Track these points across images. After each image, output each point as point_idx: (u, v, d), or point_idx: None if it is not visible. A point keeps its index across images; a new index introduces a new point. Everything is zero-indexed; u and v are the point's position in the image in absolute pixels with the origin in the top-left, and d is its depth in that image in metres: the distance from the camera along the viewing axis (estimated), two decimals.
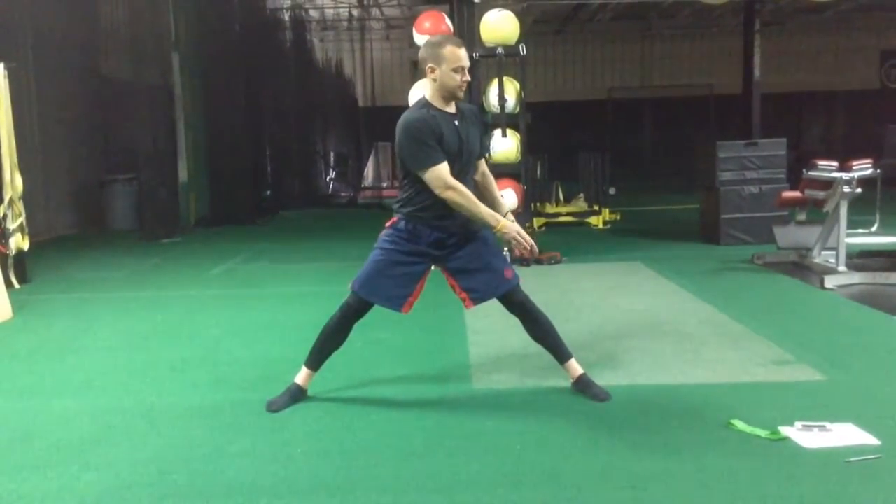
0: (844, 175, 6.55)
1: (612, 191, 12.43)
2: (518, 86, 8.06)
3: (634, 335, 5.02)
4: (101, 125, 12.38)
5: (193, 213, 11.93)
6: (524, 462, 3.17)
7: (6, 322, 5.92)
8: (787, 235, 7.36)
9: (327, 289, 6.50)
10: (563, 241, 8.92)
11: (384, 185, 17.11)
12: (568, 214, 10.92)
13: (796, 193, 7.36)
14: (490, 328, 5.09)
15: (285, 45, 15.37)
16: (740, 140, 9.34)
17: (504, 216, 3.73)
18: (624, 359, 4.51)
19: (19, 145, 7.29)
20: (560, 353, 3.93)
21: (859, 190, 6.57)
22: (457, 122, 3.65)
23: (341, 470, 3.14)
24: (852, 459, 3.08)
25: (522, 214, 7.60)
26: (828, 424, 3.38)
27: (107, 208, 11.92)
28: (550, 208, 11.09)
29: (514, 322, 3.93)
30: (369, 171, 18.38)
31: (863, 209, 7.25)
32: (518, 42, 7.97)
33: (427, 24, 7.70)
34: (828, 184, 6.73)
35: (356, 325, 3.87)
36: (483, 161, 3.95)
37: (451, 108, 3.68)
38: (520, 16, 8.23)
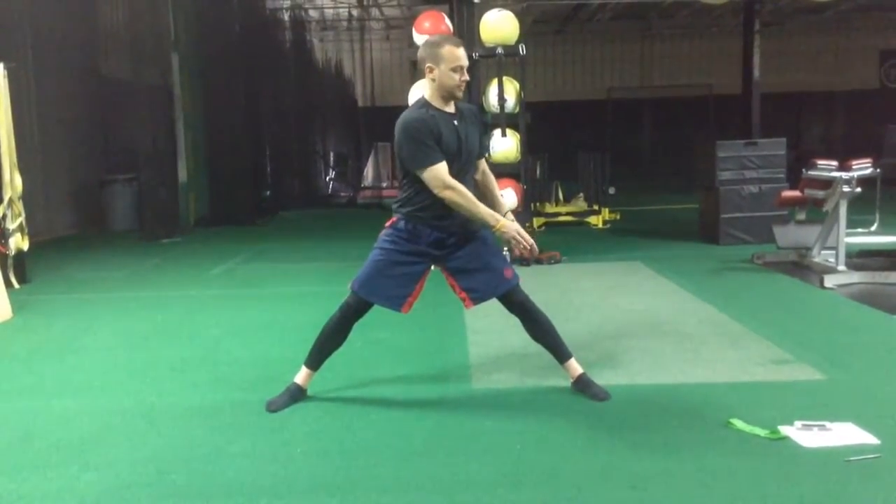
0: (844, 175, 6.55)
1: (611, 190, 12.44)
2: (518, 86, 8.06)
3: (634, 335, 5.02)
4: (100, 125, 12.38)
5: (193, 214, 11.93)
6: (524, 462, 3.17)
7: (6, 322, 5.92)
8: (787, 235, 7.36)
9: (327, 289, 6.50)
10: (563, 241, 8.92)
11: (384, 185, 17.12)
12: (568, 214, 10.92)
13: (796, 193, 7.36)
14: (490, 328, 5.09)
15: (285, 45, 15.37)
16: (740, 140, 9.34)
17: (504, 216, 3.73)
18: (623, 358, 4.52)
19: (19, 145, 7.29)
20: (560, 353, 3.93)
21: (859, 189, 6.57)
22: (456, 122, 3.65)
23: (341, 470, 3.15)
24: (852, 459, 3.08)
25: (522, 214, 7.60)
26: (827, 424, 3.38)
27: (106, 208, 11.92)
28: (550, 208, 11.09)
29: (514, 322, 3.93)
30: (369, 171, 18.38)
31: (862, 209, 7.25)
32: (518, 42, 7.97)
33: (427, 24, 7.70)
34: (827, 183, 6.74)
35: (356, 325, 3.87)
36: (483, 160, 3.96)
37: (451, 108, 3.68)
38: (519, 16, 8.23)
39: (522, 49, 7.95)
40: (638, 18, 18.68)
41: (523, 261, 7.51)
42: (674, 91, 19.91)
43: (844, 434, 3.30)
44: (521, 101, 8.02)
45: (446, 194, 3.55)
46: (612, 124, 19.98)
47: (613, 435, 3.42)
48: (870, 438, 3.25)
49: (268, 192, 14.16)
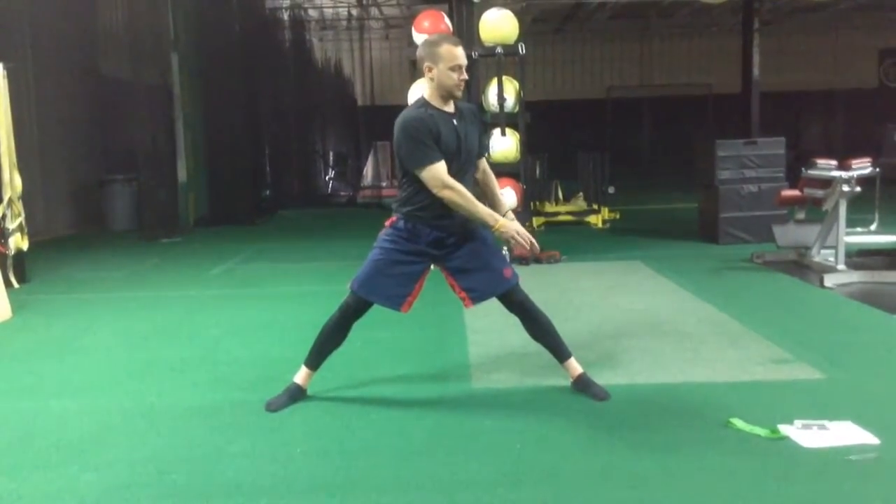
0: (843, 174, 6.55)
1: (611, 190, 12.43)
2: (517, 85, 8.06)
3: (634, 334, 5.02)
4: (100, 125, 12.38)
5: (193, 213, 11.92)
6: (524, 461, 3.17)
7: (6, 322, 5.92)
8: (787, 234, 7.36)
9: (327, 288, 6.50)
10: (563, 241, 8.92)
11: (383, 184, 17.10)
12: (567, 213, 10.92)
13: (795, 192, 7.36)
14: (489, 327, 5.09)
15: (284, 45, 15.38)
16: (739, 139, 9.34)
17: (504, 215, 3.74)
18: (623, 358, 4.52)
19: (18, 145, 7.29)
20: (559, 353, 3.93)
21: (858, 189, 6.58)
22: (455, 122, 3.65)
23: (341, 469, 3.15)
24: (851, 458, 3.08)
25: (521, 213, 7.60)
26: (827, 423, 3.38)
27: (106, 208, 11.92)
28: (550, 207, 11.09)
29: (514, 321, 3.93)
30: (368, 171, 18.37)
31: (862, 208, 7.25)
32: (517, 41, 7.97)
33: (426, 24, 7.70)
34: (827, 183, 6.74)
35: (355, 325, 3.86)
36: (484, 160, 3.96)
37: (450, 108, 3.67)
38: (519, 15, 8.24)
39: (522, 48, 7.95)
40: (637, 17, 18.68)
41: (522, 260, 7.51)
42: (673, 90, 19.93)
43: (844, 433, 3.30)
44: (520, 100, 8.02)
45: (445, 194, 3.54)
46: (611, 123, 20.01)
47: (613, 434, 3.42)
48: (869, 438, 3.25)
49: (267, 192, 14.16)
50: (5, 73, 7.03)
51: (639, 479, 2.97)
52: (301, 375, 3.93)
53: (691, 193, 10.06)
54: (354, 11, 17.70)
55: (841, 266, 6.55)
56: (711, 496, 2.85)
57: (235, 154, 12.52)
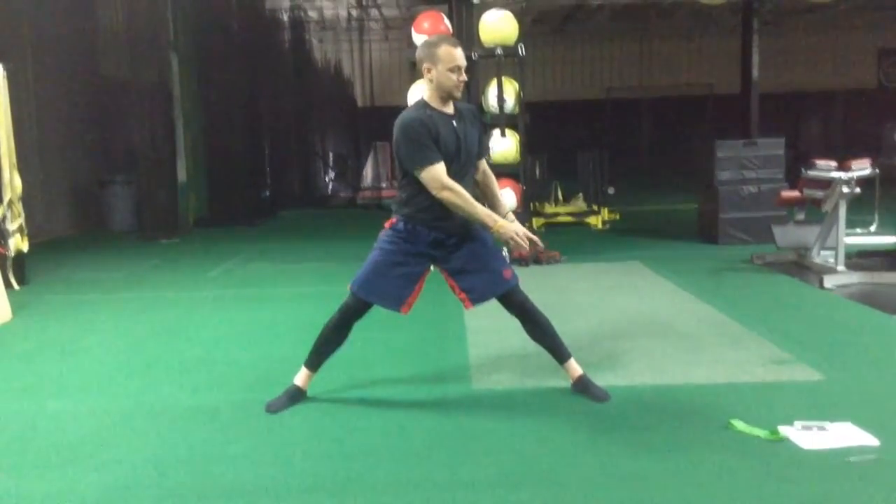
0: (843, 175, 6.55)
1: (610, 190, 12.43)
2: (517, 86, 8.06)
3: (633, 335, 5.02)
4: (99, 126, 12.37)
5: (192, 214, 11.92)
6: (524, 462, 3.17)
7: (5, 323, 5.92)
8: (786, 235, 7.36)
9: (326, 289, 6.50)
10: (562, 241, 8.91)
11: (383, 185, 17.09)
12: (567, 214, 10.92)
13: (795, 193, 7.36)
14: (489, 328, 5.09)
15: (284, 46, 15.38)
16: (739, 139, 9.34)
17: (505, 216, 3.74)
18: (623, 359, 4.52)
19: (18, 146, 7.29)
20: (559, 354, 3.93)
21: (858, 190, 6.58)
22: (455, 123, 3.65)
23: (341, 470, 3.15)
24: (851, 459, 3.08)
25: (521, 214, 7.60)
26: (827, 424, 3.38)
27: (105, 209, 11.91)
28: (549, 208, 11.09)
29: (514, 322, 3.93)
30: (368, 172, 18.34)
31: (861, 209, 7.25)
32: (517, 42, 7.97)
33: (426, 25, 7.71)
34: (826, 183, 6.74)
35: (356, 326, 3.87)
36: (484, 161, 3.96)
37: (449, 109, 3.67)
38: (518, 16, 8.24)
39: (521, 49, 7.95)
40: (637, 18, 18.67)
41: (522, 261, 7.51)
42: (673, 91, 19.94)
43: (844, 434, 3.30)
44: (520, 101, 8.02)
45: (444, 195, 3.55)
46: (611, 124, 20.00)
47: (613, 435, 3.42)
48: (869, 439, 3.25)
49: (267, 193, 14.16)
50: (5, 73, 7.03)
51: (639, 480, 2.97)
52: (301, 377, 3.93)
53: (691, 194, 10.06)
54: (354, 12, 17.68)
55: (841, 267, 6.56)
56: (711, 497, 2.85)
57: (235, 155, 12.53)
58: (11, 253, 7.06)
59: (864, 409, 3.61)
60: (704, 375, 4.21)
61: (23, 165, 7.53)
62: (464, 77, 3.62)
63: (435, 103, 3.65)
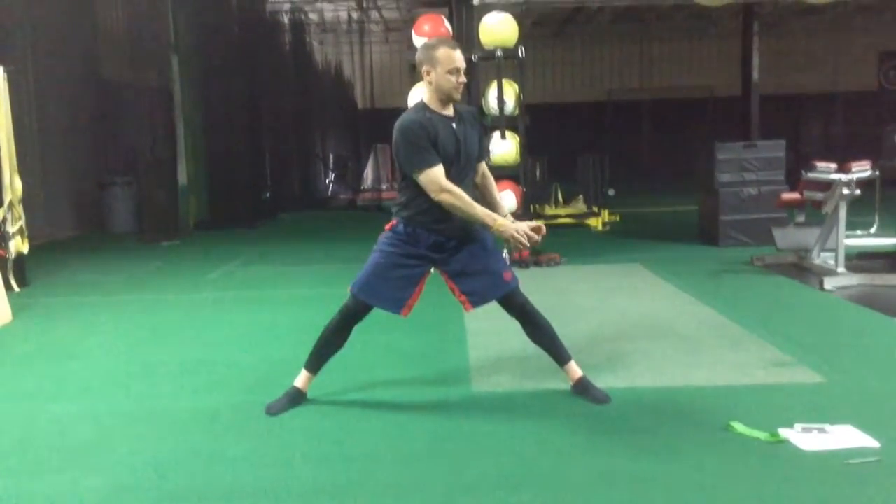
0: (843, 177, 6.55)
1: (611, 192, 12.43)
2: (517, 88, 8.06)
3: (634, 337, 5.02)
4: (100, 128, 12.38)
5: (193, 216, 11.92)
6: (524, 464, 3.17)
7: (6, 326, 5.92)
8: (786, 237, 7.36)
9: (327, 291, 6.50)
10: (562, 243, 8.91)
11: (383, 187, 17.11)
12: (567, 216, 10.93)
13: (795, 195, 7.36)
14: (489, 330, 5.09)
15: (284, 48, 15.39)
16: (739, 142, 9.34)
17: (505, 216, 3.74)
18: (623, 361, 4.52)
19: (19, 148, 7.29)
20: (559, 356, 3.93)
21: (858, 191, 6.58)
22: (454, 125, 3.65)
23: (341, 473, 3.14)
24: (851, 461, 3.08)
25: (521, 216, 7.60)
26: (827, 426, 3.38)
27: (106, 211, 11.92)
28: (549, 210, 11.10)
29: (514, 324, 3.93)
30: (368, 174, 18.36)
31: (861, 211, 7.25)
32: (517, 44, 7.97)
33: (426, 27, 7.72)
34: (827, 185, 6.74)
35: (356, 328, 3.86)
36: (484, 164, 3.95)
37: (449, 111, 3.67)
38: (518, 18, 8.24)
39: (521, 51, 7.96)
40: (637, 21, 18.69)
41: (522, 263, 7.51)
42: (673, 93, 19.93)
43: (844, 437, 3.30)
44: (520, 103, 8.03)
45: (443, 197, 3.55)
46: (611, 126, 20.00)
47: (613, 438, 3.42)
48: (869, 441, 3.25)
49: (267, 195, 14.16)
50: (6, 76, 7.04)
51: (639, 482, 2.97)
52: (301, 379, 3.93)
53: (691, 196, 10.06)
54: (354, 14, 17.71)
55: (841, 269, 6.55)
56: (712, 499, 2.85)
57: (235, 157, 12.53)
58: (12, 255, 7.06)
59: (864, 411, 3.61)
60: (705, 377, 4.20)
61: (23, 167, 7.54)
62: (463, 79, 3.62)
63: (434, 106, 3.65)
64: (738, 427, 3.42)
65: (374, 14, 17.83)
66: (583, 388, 3.89)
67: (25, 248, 7.24)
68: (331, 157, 17.50)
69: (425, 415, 3.78)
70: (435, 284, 3.93)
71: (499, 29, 7.90)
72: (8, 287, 6.64)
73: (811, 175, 6.93)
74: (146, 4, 11.21)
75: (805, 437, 3.30)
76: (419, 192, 3.61)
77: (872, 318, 5.43)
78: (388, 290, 3.73)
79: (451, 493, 2.94)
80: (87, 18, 12.25)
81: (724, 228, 8.59)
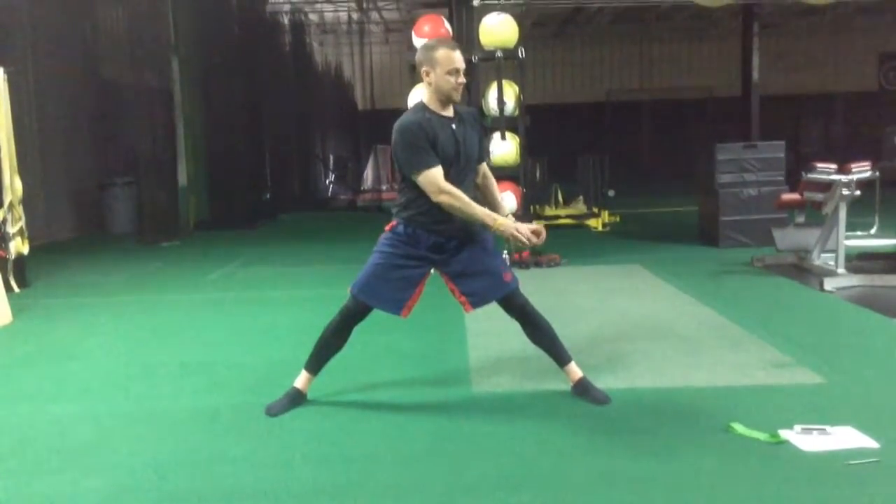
0: (843, 177, 6.55)
1: (611, 193, 12.42)
2: (517, 89, 8.07)
3: (634, 338, 5.02)
4: (100, 129, 12.38)
5: (193, 217, 11.93)
6: (524, 465, 3.17)
7: (6, 326, 5.92)
8: (786, 238, 7.36)
9: (327, 292, 6.50)
10: (563, 244, 8.91)
11: (383, 187, 17.13)
12: (567, 217, 10.93)
13: (795, 196, 7.36)
14: (490, 331, 5.09)
15: (285, 49, 15.40)
16: (739, 142, 9.35)
17: (506, 217, 3.74)
18: (623, 362, 4.52)
19: (19, 149, 7.29)
20: (559, 357, 3.93)
21: (858, 192, 6.58)
22: (454, 126, 3.65)
23: (341, 474, 3.14)
24: (851, 462, 3.08)
25: (521, 217, 7.60)
26: (827, 427, 3.38)
27: (106, 212, 11.92)
28: (549, 211, 11.10)
29: (514, 325, 3.92)
30: (368, 174, 18.38)
31: (861, 211, 7.25)
32: (517, 45, 7.98)
33: (426, 28, 7.72)
34: (827, 186, 6.74)
35: (356, 329, 3.86)
36: (485, 165, 3.95)
37: (449, 112, 3.67)
38: (518, 19, 8.24)
39: (521, 52, 7.96)
40: (637, 21, 18.70)
41: (522, 264, 7.51)
42: (673, 93, 19.95)
43: (844, 438, 3.30)
44: (520, 104, 8.03)
45: (441, 198, 3.55)
46: (611, 127, 20.00)
47: (613, 438, 3.42)
48: (869, 442, 3.25)
49: (267, 195, 14.17)
50: (6, 76, 7.04)
51: (639, 483, 2.97)
52: (301, 380, 3.93)
53: (691, 197, 10.06)
54: (355, 15, 17.72)
55: (841, 270, 6.55)
56: (712, 500, 2.85)
57: (236, 157, 12.54)
58: (12, 256, 7.07)
59: (864, 412, 3.61)
60: (705, 378, 4.20)
61: (23, 168, 7.54)
62: (462, 80, 3.62)
63: (434, 106, 3.65)
64: (739, 428, 3.42)
65: (375, 15, 17.85)
66: (583, 389, 3.89)
67: (25, 249, 7.24)
68: (331, 157, 17.51)
69: (425, 416, 3.77)
70: (435, 285, 3.93)
71: (499, 30, 7.90)
72: (8, 288, 6.64)
73: (811, 176, 6.93)
74: (146, 5, 11.20)
75: (805, 438, 3.29)
76: (419, 193, 3.61)
77: (872, 319, 5.43)
78: (388, 290, 3.73)
79: (451, 494, 2.94)
80: (88, 19, 12.25)
81: (724, 229, 8.59)
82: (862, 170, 6.61)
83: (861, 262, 7.18)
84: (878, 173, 6.75)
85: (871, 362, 4.41)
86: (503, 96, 7.87)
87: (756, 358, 4.52)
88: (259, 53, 13.63)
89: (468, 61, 3.87)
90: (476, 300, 3.80)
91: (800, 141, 19.00)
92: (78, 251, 10.05)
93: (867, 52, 19.93)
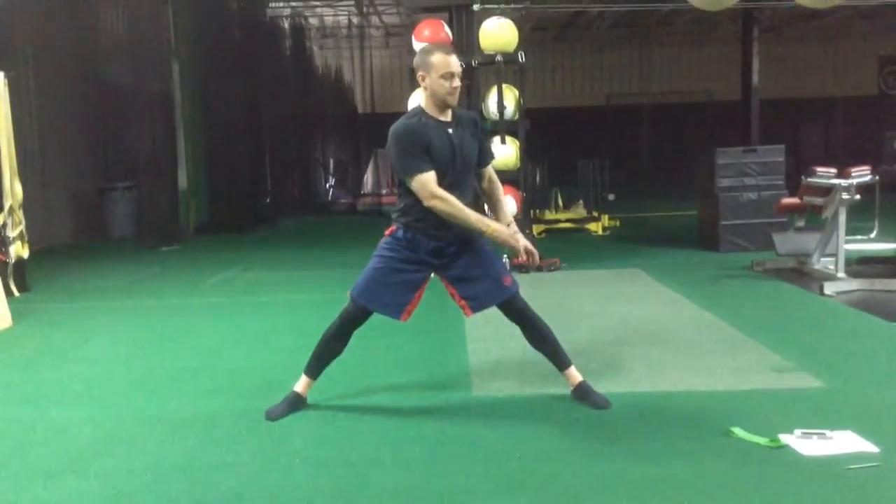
0: (843, 182, 6.56)
1: (611, 197, 12.42)
2: (517, 93, 8.08)
3: (634, 342, 5.02)
4: (100, 133, 12.40)
5: (193, 221, 11.93)
6: (524, 470, 3.17)
7: (6, 330, 5.92)
8: (786, 242, 7.36)
9: (327, 296, 6.49)
10: (563, 248, 8.92)
11: (383, 191, 17.15)
12: (567, 221, 10.94)
13: (795, 200, 7.37)
14: (490, 335, 5.09)
15: (285, 53, 15.41)
16: (739, 146, 9.35)
17: (507, 225, 3.73)
18: (623, 366, 4.51)
19: (19, 153, 7.30)
20: (559, 361, 3.93)
21: (858, 196, 6.58)
22: (450, 131, 3.64)
23: (340, 479, 3.14)
24: (851, 467, 3.07)
25: (521, 221, 7.60)
26: (827, 432, 3.38)
27: (106, 216, 11.93)
28: (549, 215, 11.11)
29: (514, 329, 3.92)
30: (368, 178, 18.41)
31: (861, 216, 7.25)
32: (517, 49, 7.99)
33: (426, 32, 7.73)
34: (826, 190, 6.75)
35: (356, 333, 3.86)
36: (490, 168, 3.95)
37: (446, 116, 3.67)
38: (518, 23, 8.26)
39: (521, 56, 7.97)
40: (637, 25, 18.72)
41: (522, 268, 7.51)
42: (673, 98, 19.94)
43: (844, 442, 3.29)
44: (520, 108, 8.04)
45: (433, 203, 3.55)
46: (611, 131, 20.00)
47: (613, 443, 3.41)
48: (869, 447, 3.25)
49: (268, 200, 14.17)
50: (6, 81, 7.04)
51: (639, 488, 2.97)
52: (301, 384, 3.93)
53: (691, 201, 10.06)
54: (355, 19, 17.74)
55: (841, 274, 6.55)
56: None
57: (236, 162, 12.55)
58: (12, 260, 7.07)
59: (864, 417, 3.61)
60: (705, 383, 4.20)
61: (23, 172, 7.55)
62: (457, 84, 3.62)
63: (431, 111, 3.66)
64: (739, 432, 3.42)
65: (375, 19, 17.86)
66: (583, 394, 3.89)
67: (25, 253, 7.24)
68: (331, 161, 17.52)
69: (426, 420, 3.77)
70: (435, 290, 3.94)
71: (499, 34, 7.92)
72: (8, 292, 6.64)
73: (811, 180, 6.94)
74: (147, 9, 11.21)
75: (805, 443, 3.29)
76: (417, 198, 3.61)
77: (872, 323, 5.43)
78: (387, 295, 3.73)
79: (451, 498, 2.94)
80: (88, 23, 12.26)
81: (724, 233, 8.59)
82: (862, 174, 6.61)
83: (861, 266, 7.18)
84: (877, 177, 6.75)
85: (871, 367, 4.41)
86: (503, 100, 7.88)
87: (756, 362, 4.52)
88: (259, 57, 13.64)
89: (468, 65, 3.88)
90: (476, 304, 3.80)
91: (800, 145, 19.00)
92: (78, 255, 10.05)
93: (867, 56, 19.94)
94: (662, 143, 20.05)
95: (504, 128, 7.91)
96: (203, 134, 12.53)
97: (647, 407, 3.84)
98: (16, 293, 7.06)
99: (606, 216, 11.00)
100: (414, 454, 3.36)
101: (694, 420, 3.65)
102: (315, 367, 3.91)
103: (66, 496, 3.07)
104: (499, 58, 7.82)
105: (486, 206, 4.13)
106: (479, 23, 8.13)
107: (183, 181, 11.67)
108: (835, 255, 6.67)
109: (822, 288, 6.35)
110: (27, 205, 7.49)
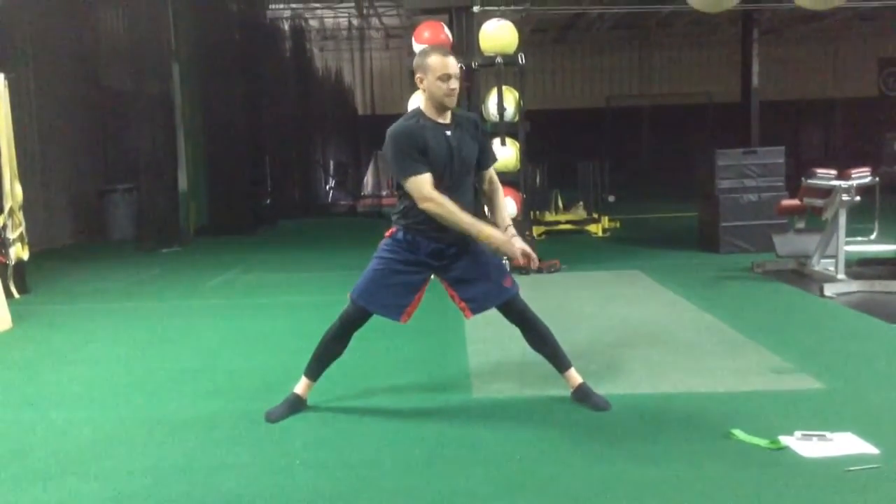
0: (843, 183, 6.56)
1: (611, 199, 12.42)
2: (517, 95, 8.08)
3: (634, 344, 5.01)
4: (100, 135, 12.40)
5: (193, 223, 11.93)
6: (524, 472, 3.16)
7: (5, 332, 5.92)
8: (787, 243, 7.36)
9: (326, 298, 6.49)
10: (563, 250, 8.92)
11: (383, 193, 17.15)
12: (567, 222, 10.94)
13: (795, 201, 7.37)
14: (490, 337, 5.09)
15: (285, 55, 15.42)
16: (739, 148, 9.35)
17: (506, 228, 3.72)
18: (623, 368, 4.51)
19: (19, 155, 7.30)
20: (559, 362, 3.92)
21: (858, 198, 6.58)
22: (448, 133, 3.64)
23: (340, 481, 3.14)
24: (851, 469, 3.07)
25: (521, 223, 7.61)
26: (827, 434, 3.38)
27: (106, 218, 11.93)
28: (550, 216, 11.11)
29: (514, 331, 3.92)
30: (369, 180, 18.41)
31: (861, 217, 7.25)
32: (517, 51, 7.99)
33: (426, 34, 7.73)
34: (826, 192, 6.74)
35: (355, 335, 3.86)
36: (492, 171, 3.94)
37: (445, 118, 3.67)
38: (518, 25, 8.26)
39: (521, 58, 7.97)
40: (637, 27, 18.74)
41: (522, 270, 7.51)
42: (673, 99, 19.96)
43: (844, 444, 3.29)
44: (520, 109, 8.04)
45: (426, 206, 3.54)
46: (611, 133, 20.01)
47: (613, 445, 3.41)
48: (869, 448, 3.24)
49: (268, 201, 14.18)
50: (6, 83, 7.05)
51: (639, 490, 2.97)
52: (301, 386, 3.93)
53: (691, 202, 10.06)
54: (355, 21, 17.75)
55: (841, 275, 6.55)
56: None
57: (236, 163, 12.55)
58: (12, 262, 7.07)
59: (864, 418, 3.60)
60: (705, 384, 4.20)
61: (24, 174, 7.55)
62: (454, 86, 3.61)
63: (429, 113, 3.66)
64: (739, 434, 3.42)
65: (375, 21, 17.88)
66: (583, 395, 3.89)
67: (25, 255, 7.25)
68: (331, 163, 17.53)
69: (425, 421, 3.77)
70: (435, 291, 3.93)
71: (498, 36, 7.92)
72: (8, 294, 6.64)
73: (811, 181, 6.93)
74: (147, 11, 11.21)
75: (805, 444, 3.29)
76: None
77: (873, 325, 5.43)
78: (387, 296, 3.73)
79: (451, 500, 2.94)
80: (88, 26, 12.27)
81: (724, 235, 8.59)
82: (862, 175, 6.61)
83: (861, 267, 7.18)
84: (877, 179, 6.75)
85: (871, 368, 4.41)
86: (503, 102, 7.88)
87: (756, 364, 4.52)
88: (259, 59, 13.65)
89: (468, 67, 3.88)
90: (476, 306, 3.79)
91: (800, 147, 19.02)
92: (78, 257, 10.05)
93: (867, 57, 19.96)
94: (662, 144, 20.06)
95: (504, 129, 7.91)
96: (203, 135, 12.54)
97: (648, 409, 3.84)
98: (16, 295, 7.06)
99: (606, 218, 11.01)
100: (414, 456, 3.36)
101: (694, 422, 3.65)
102: (315, 369, 3.91)
103: (66, 498, 3.07)
104: (499, 59, 7.83)
105: (485, 209, 4.13)
106: (479, 24, 8.13)
107: (183, 183, 11.67)
108: (835, 256, 6.67)
109: (822, 289, 6.35)
110: (27, 206, 7.50)
